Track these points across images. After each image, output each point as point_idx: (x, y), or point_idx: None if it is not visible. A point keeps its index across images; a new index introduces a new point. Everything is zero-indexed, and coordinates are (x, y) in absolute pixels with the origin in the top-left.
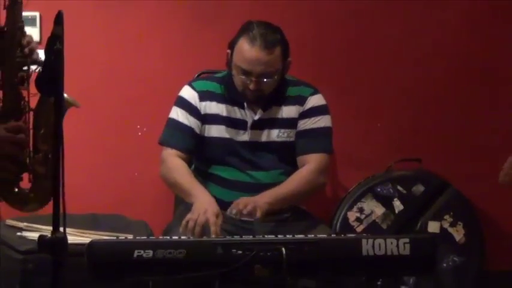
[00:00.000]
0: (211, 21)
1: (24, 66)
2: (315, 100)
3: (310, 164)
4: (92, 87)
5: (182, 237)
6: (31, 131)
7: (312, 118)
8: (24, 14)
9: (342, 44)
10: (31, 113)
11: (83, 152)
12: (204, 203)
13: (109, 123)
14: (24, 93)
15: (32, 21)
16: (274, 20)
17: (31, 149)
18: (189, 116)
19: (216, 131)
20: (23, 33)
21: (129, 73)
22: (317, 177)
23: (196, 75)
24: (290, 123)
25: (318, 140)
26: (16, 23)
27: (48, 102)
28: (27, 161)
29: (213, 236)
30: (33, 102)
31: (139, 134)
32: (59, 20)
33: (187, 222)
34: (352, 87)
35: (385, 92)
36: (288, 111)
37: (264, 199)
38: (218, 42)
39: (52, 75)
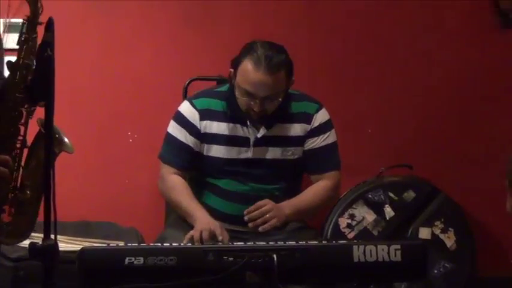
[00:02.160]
0: (203, 26)
1: (25, 102)
2: (321, 116)
3: (326, 181)
4: (82, 93)
5: (173, 244)
6: (21, 168)
7: (321, 136)
8: (14, 20)
9: (333, 49)
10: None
11: (73, 158)
12: (204, 223)
13: (100, 130)
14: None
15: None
16: (266, 22)
17: (17, 184)
18: (188, 135)
19: (216, 151)
20: (31, 70)
21: (120, 79)
22: (333, 193)
23: (187, 81)
24: (295, 141)
25: (329, 157)
26: (25, 59)
27: (42, 139)
28: (9, 195)
29: (221, 239)
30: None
31: (130, 140)
32: (49, 26)
33: (192, 236)
34: (343, 93)
35: (376, 98)
36: (293, 129)
37: (285, 210)
38: (210, 48)
39: (43, 82)
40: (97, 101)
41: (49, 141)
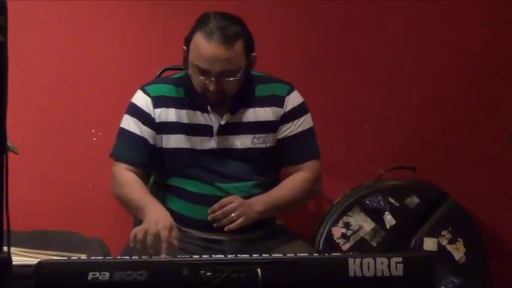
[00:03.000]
0: (174, 11)
1: None
2: (294, 99)
3: (305, 172)
4: (39, 85)
5: (143, 257)
6: None
7: (296, 121)
8: None
9: (326, 39)
10: None
11: (29, 160)
12: (155, 216)
13: (59, 127)
14: None
15: None
16: (252, 14)
17: None
18: (141, 125)
19: (174, 141)
20: None
21: (82, 69)
22: (313, 185)
23: (159, 71)
24: (265, 126)
25: (307, 145)
26: None
27: None
28: None
29: (163, 255)
30: None
31: (94, 139)
32: (1, 9)
33: (135, 234)
34: (337, 85)
35: (376, 91)
36: (263, 114)
37: (256, 207)
38: (184, 35)
39: None
40: (56, 94)
41: (2, 140)
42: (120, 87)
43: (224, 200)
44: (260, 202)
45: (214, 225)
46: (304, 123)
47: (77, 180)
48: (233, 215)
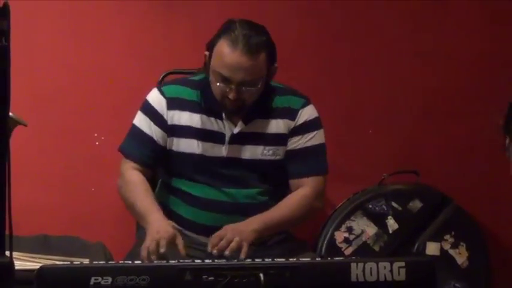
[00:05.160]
0: (182, 12)
1: None
2: (307, 113)
3: (306, 187)
4: (41, 89)
5: (145, 262)
6: None
7: (306, 135)
8: None
9: (329, 43)
10: None
11: (31, 164)
12: (156, 228)
13: (62, 131)
14: None
15: None
16: (254, 16)
17: None
18: (152, 124)
19: (186, 145)
20: None
21: (85, 72)
22: (313, 202)
23: (162, 75)
24: (277, 139)
25: (314, 160)
26: None
27: None
28: None
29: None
30: None
31: (97, 143)
32: (4, 12)
33: (147, 249)
34: (339, 88)
35: (378, 95)
36: (276, 126)
37: (251, 226)
38: (188, 38)
39: None
40: (59, 97)
41: (4, 144)
42: (123, 91)
43: (218, 233)
44: (257, 221)
45: (226, 253)
46: (315, 138)
47: (80, 185)
48: (233, 243)
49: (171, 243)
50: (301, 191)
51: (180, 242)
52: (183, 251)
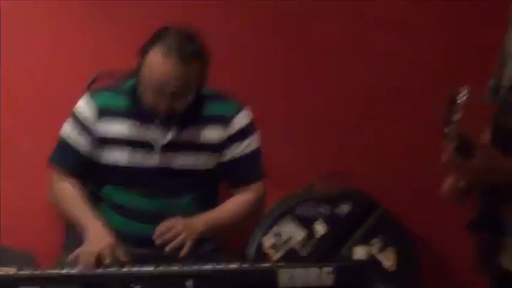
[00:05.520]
0: (113, 10)
1: None
2: (242, 119)
3: (249, 193)
4: None
5: (74, 271)
6: None
7: (243, 142)
8: None
9: (256, 43)
10: None
11: None
12: (96, 235)
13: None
14: None
15: None
16: (187, 17)
17: None
18: (82, 133)
19: (116, 156)
20: None
21: (11, 76)
22: (257, 207)
23: (93, 77)
24: (209, 148)
25: (252, 166)
26: None
27: None
28: None
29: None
30: None
31: (25, 148)
32: None
33: (79, 256)
34: (270, 91)
35: (307, 94)
36: (208, 134)
37: (199, 225)
38: (122, 36)
39: None
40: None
41: None
42: (51, 94)
43: (168, 224)
44: (204, 222)
45: (166, 249)
46: (250, 144)
47: (6, 191)
48: (180, 237)
49: (113, 253)
50: (245, 196)
51: (120, 251)
52: (124, 258)
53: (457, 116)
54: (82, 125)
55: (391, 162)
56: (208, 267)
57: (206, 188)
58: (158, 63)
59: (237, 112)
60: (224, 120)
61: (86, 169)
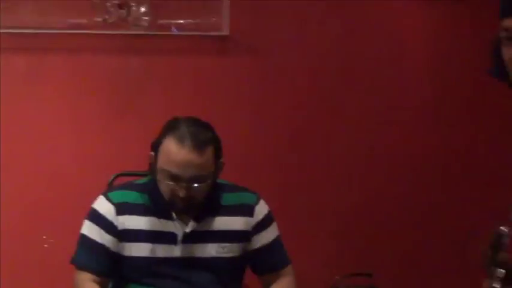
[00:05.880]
0: (130, 116)
1: None
2: (263, 208)
3: (287, 277)
4: None
5: None
6: None
7: (268, 229)
8: None
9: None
10: None
11: None
12: None
13: (8, 233)
14: None
15: None
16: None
17: None
18: (103, 233)
19: (137, 249)
20: None
21: (34, 172)
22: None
23: (112, 177)
24: (233, 236)
25: (281, 251)
26: None
27: None
28: None
29: None
30: None
31: (46, 245)
32: None
33: None
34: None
35: (331, 197)
36: (230, 223)
37: None
38: (138, 140)
39: None
40: (5, 197)
41: None
42: (72, 193)
43: None
44: None
45: None
46: (274, 231)
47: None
48: None
49: None
50: (285, 280)
51: None
52: None
53: (503, 257)
54: (103, 221)
55: (414, 262)
56: None
57: (231, 283)
58: (174, 151)
59: (257, 201)
60: (246, 209)
61: (110, 267)
